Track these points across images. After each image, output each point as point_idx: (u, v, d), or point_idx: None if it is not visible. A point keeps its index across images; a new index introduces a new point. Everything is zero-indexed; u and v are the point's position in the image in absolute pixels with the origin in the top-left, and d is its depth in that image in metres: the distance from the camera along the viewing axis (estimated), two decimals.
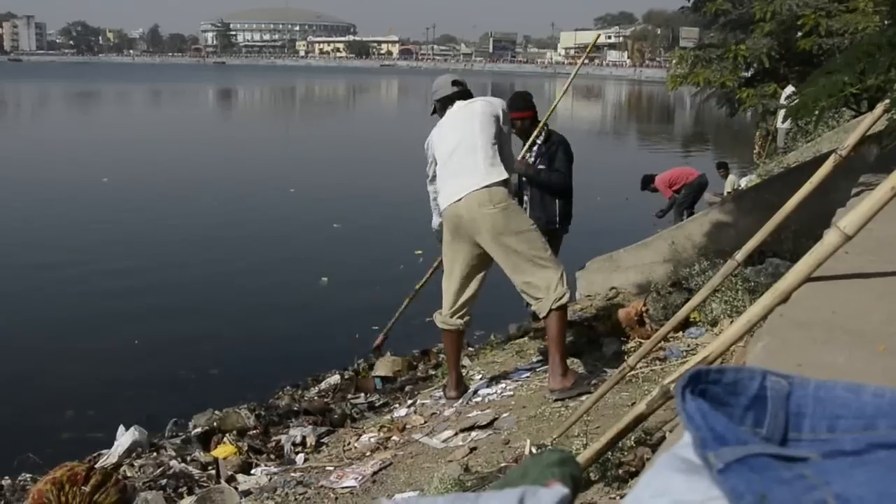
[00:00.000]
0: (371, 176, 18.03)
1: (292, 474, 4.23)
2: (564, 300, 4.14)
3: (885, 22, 5.48)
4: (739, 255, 2.62)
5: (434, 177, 4.52)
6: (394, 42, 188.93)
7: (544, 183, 5.54)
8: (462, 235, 4.27)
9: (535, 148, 5.56)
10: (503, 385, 4.75)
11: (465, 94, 4.60)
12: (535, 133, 5.52)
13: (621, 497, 2.39)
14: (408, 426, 4.52)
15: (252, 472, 4.46)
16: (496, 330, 6.52)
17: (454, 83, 4.65)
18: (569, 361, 4.35)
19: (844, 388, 0.65)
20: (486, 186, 4.14)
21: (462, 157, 4.23)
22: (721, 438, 0.59)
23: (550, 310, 4.09)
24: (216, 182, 17.32)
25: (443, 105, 4.58)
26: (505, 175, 4.23)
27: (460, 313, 4.48)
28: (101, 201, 14.85)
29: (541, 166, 5.53)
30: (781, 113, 5.43)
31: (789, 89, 7.03)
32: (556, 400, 4.10)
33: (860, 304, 1.62)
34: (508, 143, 4.51)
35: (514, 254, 4.15)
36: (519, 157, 5.42)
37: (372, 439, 4.46)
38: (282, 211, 14.20)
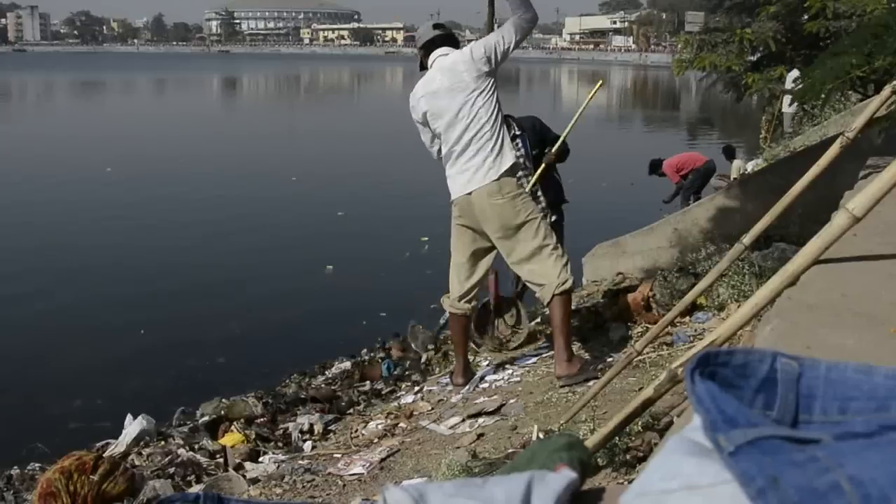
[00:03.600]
0: (375, 163, 18.00)
1: (300, 462, 4.24)
2: (567, 286, 4.12)
3: (893, 4, 5.43)
4: (746, 239, 2.61)
5: (434, 141, 4.35)
6: (398, 29, 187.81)
7: (564, 154, 5.51)
8: (471, 221, 4.26)
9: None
10: (510, 371, 4.75)
11: (448, 37, 4.43)
12: (556, 146, 5.43)
13: (629, 482, 2.39)
14: (415, 413, 4.52)
15: (260, 459, 4.47)
16: None
17: (436, 26, 4.51)
18: (576, 347, 4.34)
19: (856, 370, 0.65)
20: (496, 179, 4.09)
21: (470, 153, 4.12)
22: (731, 421, 0.58)
23: (554, 295, 4.08)
24: (220, 171, 17.30)
25: (426, 51, 4.36)
26: (513, 159, 4.16)
27: (468, 297, 4.47)
28: (104, 190, 14.85)
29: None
30: (787, 97, 5.42)
31: (794, 73, 6.99)
32: (562, 386, 4.09)
33: (870, 286, 1.61)
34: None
35: (521, 243, 4.14)
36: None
37: (379, 426, 4.46)
38: (285, 199, 14.16)
